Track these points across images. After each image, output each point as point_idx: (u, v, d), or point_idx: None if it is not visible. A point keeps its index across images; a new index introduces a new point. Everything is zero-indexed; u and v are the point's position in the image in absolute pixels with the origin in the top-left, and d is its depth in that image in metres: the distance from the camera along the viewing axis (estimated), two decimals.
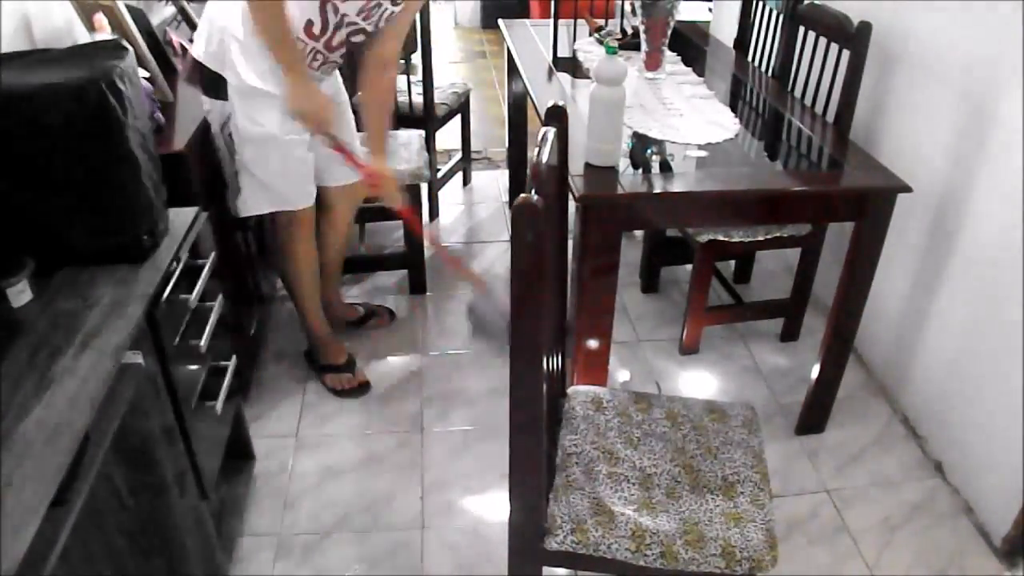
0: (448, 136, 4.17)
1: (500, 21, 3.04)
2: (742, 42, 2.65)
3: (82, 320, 1.14)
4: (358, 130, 2.10)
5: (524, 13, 5.53)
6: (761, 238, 2.13)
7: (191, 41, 2.32)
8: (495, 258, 2.90)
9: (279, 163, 1.84)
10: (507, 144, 3.23)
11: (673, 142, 1.89)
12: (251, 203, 1.90)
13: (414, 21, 4.25)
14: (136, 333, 1.15)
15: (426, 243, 2.55)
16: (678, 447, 1.39)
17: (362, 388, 2.21)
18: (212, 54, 1.75)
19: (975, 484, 1.84)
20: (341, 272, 2.38)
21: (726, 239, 2.10)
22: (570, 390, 1.53)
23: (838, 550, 1.76)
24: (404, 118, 2.86)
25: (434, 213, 3.16)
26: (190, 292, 1.40)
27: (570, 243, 1.60)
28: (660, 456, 1.37)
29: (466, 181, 3.52)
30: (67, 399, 0.99)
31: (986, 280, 1.78)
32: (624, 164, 1.76)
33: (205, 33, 1.77)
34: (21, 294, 1.17)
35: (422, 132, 2.69)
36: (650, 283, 2.68)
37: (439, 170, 3.17)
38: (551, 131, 1.17)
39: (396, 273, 2.74)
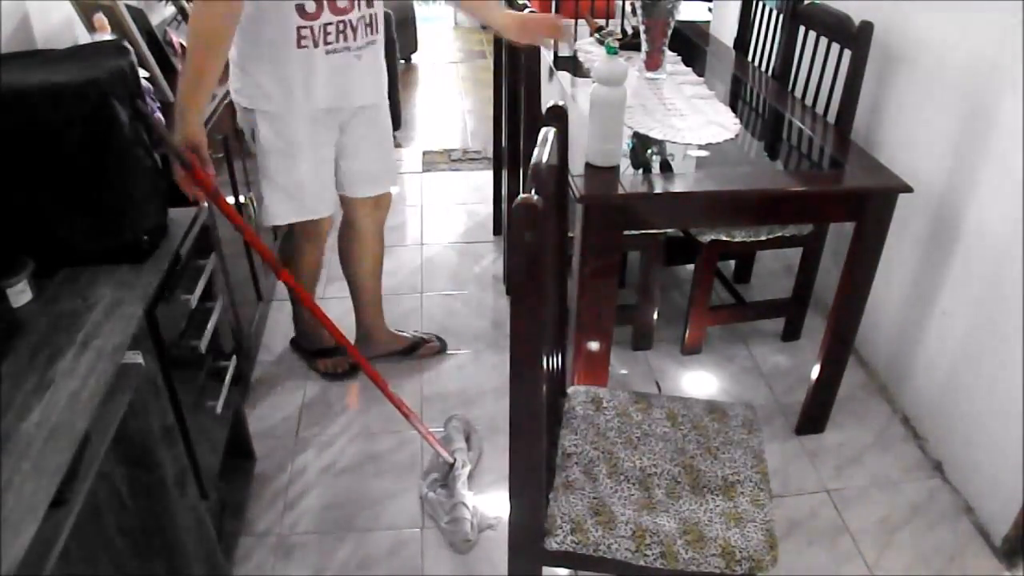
0: (448, 136, 4.19)
1: None
2: (742, 42, 2.65)
3: (82, 320, 1.14)
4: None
5: None
6: (763, 238, 2.13)
7: None
8: (495, 258, 2.90)
9: (305, 172, 1.83)
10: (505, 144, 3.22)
11: (674, 142, 1.89)
12: (275, 213, 1.89)
13: (411, 20, 4.16)
14: (136, 333, 1.14)
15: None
16: (678, 447, 1.39)
17: (353, 370, 2.21)
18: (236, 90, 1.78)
19: (975, 484, 1.84)
20: (380, 297, 2.27)
21: (728, 239, 2.10)
22: (570, 390, 1.53)
23: (838, 550, 1.76)
24: None
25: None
26: (190, 292, 1.40)
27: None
28: (660, 456, 1.37)
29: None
30: (67, 399, 0.99)
31: (986, 280, 1.78)
32: (625, 164, 1.76)
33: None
34: (21, 294, 1.17)
35: None
36: None
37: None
38: (551, 131, 1.17)
39: None
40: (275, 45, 1.66)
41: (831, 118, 2.08)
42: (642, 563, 1.20)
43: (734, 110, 2.11)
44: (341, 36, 1.70)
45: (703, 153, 1.85)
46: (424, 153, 3.87)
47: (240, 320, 2.10)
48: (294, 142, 1.78)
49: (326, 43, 1.68)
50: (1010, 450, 1.68)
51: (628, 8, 2.64)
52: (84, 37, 1.85)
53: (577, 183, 1.64)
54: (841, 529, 1.81)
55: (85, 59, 1.27)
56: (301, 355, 2.30)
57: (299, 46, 1.66)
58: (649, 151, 1.87)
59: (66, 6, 1.82)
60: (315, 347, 2.25)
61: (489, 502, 1.85)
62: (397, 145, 4.01)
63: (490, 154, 3.36)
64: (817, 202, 1.81)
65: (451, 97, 4.86)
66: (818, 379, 1.98)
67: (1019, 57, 1.62)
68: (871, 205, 1.72)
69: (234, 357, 1.68)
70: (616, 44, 1.64)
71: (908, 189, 1.68)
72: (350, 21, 1.70)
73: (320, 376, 2.23)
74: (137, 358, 1.15)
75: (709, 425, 1.43)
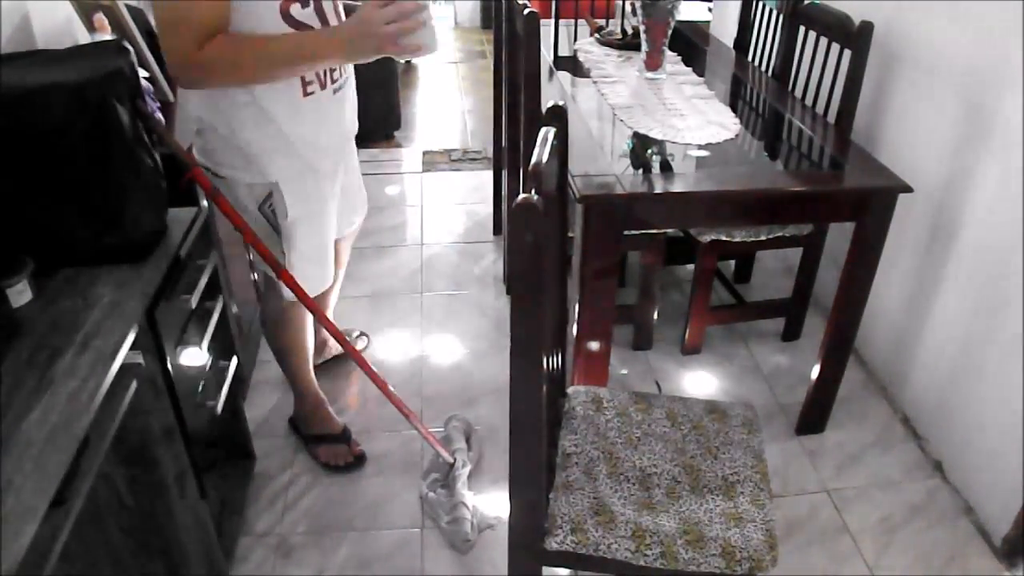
0: (448, 136, 4.19)
1: None
2: (742, 42, 2.65)
3: (82, 320, 1.14)
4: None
5: None
6: (763, 238, 2.13)
7: None
8: (495, 258, 2.90)
9: (328, 230, 1.64)
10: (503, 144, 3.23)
11: (674, 142, 1.89)
12: (312, 287, 1.66)
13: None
14: (136, 333, 1.14)
15: None
16: (678, 447, 1.39)
17: (359, 461, 1.96)
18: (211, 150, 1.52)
19: (975, 484, 1.84)
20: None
21: (728, 239, 2.10)
22: (570, 390, 1.53)
23: (838, 550, 1.76)
24: None
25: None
26: (190, 292, 1.40)
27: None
28: (660, 456, 1.37)
29: None
30: (67, 399, 0.99)
31: (986, 280, 1.78)
32: (625, 164, 1.76)
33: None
34: (21, 294, 1.17)
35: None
36: None
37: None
38: (551, 131, 1.17)
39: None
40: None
41: (831, 118, 2.07)
42: (642, 563, 1.20)
43: (734, 110, 2.11)
44: (341, 68, 1.56)
45: (703, 153, 1.85)
46: (424, 153, 3.87)
47: (240, 320, 2.10)
48: (318, 198, 1.58)
49: (332, 80, 1.52)
50: (1010, 450, 1.68)
51: (628, 8, 2.64)
52: (84, 37, 1.84)
53: (577, 183, 1.64)
54: (841, 529, 1.81)
55: (85, 59, 1.27)
56: (299, 438, 2.04)
57: (305, 94, 1.47)
58: (649, 151, 1.87)
59: (66, 6, 1.82)
60: (312, 432, 2.00)
61: (489, 502, 1.85)
62: (397, 145, 4.03)
63: (490, 154, 3.37)
64: (817, 202, 1.81)
65: (451, 97, 4.86)
66: (818, 379, 1.98)
67: (1019, 57, 1.62)
68: (871, 205, 1.72)
69: (234, 357, 1.68)
70: None
71: (908, 189, 1.68)
72: None
73: (320, 467, 1.96)
74: (137, 358, 1.15)
75: (709, 425, 1.43)
